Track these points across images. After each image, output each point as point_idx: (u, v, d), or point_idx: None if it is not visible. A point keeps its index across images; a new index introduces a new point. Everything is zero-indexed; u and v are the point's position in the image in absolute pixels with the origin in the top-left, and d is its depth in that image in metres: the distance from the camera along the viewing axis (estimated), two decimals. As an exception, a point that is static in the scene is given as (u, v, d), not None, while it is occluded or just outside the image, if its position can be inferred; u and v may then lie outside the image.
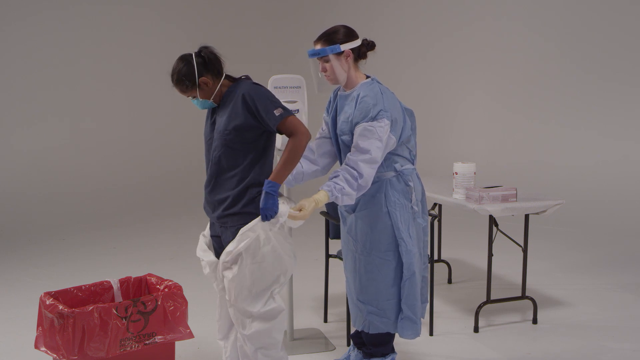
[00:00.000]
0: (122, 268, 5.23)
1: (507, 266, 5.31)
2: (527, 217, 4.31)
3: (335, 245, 4.29)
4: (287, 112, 2.90)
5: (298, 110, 3.83)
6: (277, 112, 2.89)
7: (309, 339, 4.12)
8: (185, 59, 3.01)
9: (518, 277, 4.70)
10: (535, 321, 4.33)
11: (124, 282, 3.67)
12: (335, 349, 4.00)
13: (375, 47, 3.32)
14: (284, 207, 2.97)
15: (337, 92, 3.40)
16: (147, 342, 3.29)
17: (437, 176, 5.39)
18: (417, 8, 9.20)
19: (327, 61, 3.19)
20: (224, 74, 3.03)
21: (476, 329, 4.20)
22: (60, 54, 8.61)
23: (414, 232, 3.29)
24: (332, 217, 4.26)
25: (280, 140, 3.82)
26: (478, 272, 5.41)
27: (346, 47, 3.18)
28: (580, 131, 7.94)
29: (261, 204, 2.90)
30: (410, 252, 3.24)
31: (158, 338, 3.32)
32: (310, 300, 4.78)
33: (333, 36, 3.18)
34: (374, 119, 3.09)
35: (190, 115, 9.22)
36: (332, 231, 4.28)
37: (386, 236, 3.24)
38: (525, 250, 4.36)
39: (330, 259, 4.30)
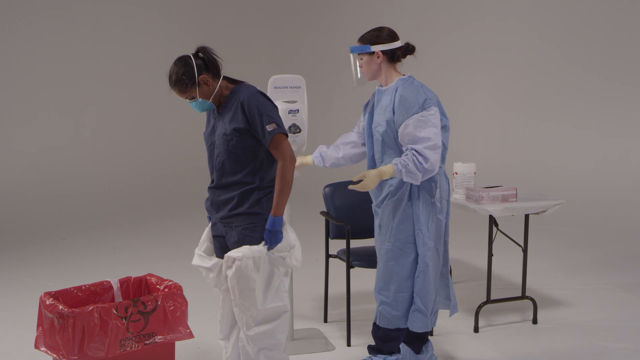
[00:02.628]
0: (122, 268, 5.22)
1: (507, 266, 5.31)
2: (527, 217, 4.31)
3: (335, 245, 4.29)
4: (280, 129, 2.91)
5: (298, 110, 3.82)
6: (269, 128, 2.90)
7: (309, 339, 4.12)
8: (183, 59, 3.00)
9: (518, 277, 4.70)
10: (535, 321, 4.33)
11: (124, 282, 3.67)
12: (335, 349, 4.00)
13: (415, 52, 3.46)
14: (292, 235, 3.04)
15: (374, 94, 3.55)
16: (147, 342, 3.29)
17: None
18: (416, 8, 9.20)
19: (361, 58, 3.43)
20: (222, 75, 3.02)
21: (476, 329, 4.20)
22: (61, 54, 8.60)
23: (433, 227, 3.37)
24: (332, 217, 4.26)
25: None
26: (478, 272, 5.41)
27: (376, 48, 3.38)
28: (580, 131, 7.94)
29: (267, 243, 2.95)
30: (426, 245, 3.32)
31: (158, 338, 3.32)
32: (310, 300, 4.78)
33: (367, 36, 3.42)
34: (422, 108, 3.23)
35: (190, 115, 9.22)
36: (332, 231, 4.28)
37: (406, 227, 3.33)
38: (525, 250, 4.36)
39: (330, 259, 4.30)
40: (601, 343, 4.03)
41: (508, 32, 8.41)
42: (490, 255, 4.24)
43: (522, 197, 4.30)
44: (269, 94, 3.85)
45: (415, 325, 3.39)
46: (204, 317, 4.30)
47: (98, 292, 3.59)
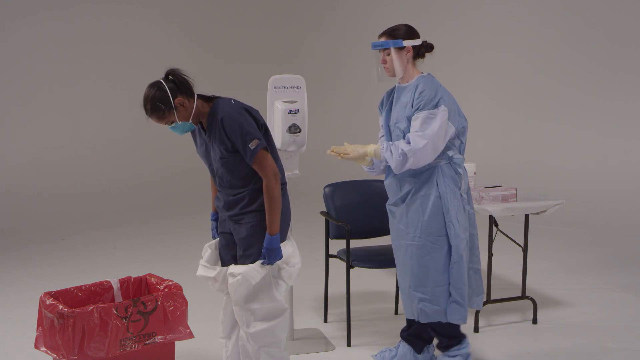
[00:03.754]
0: (122, 268, 5.22)
1: (507, 266, 5.31)
2: (527, 217, 4.31)
3: (335, 245, 4.29)
4: (261, 144, 2.91)
5: (298, 110, 3.82)
6: (252, 145, 2.90)
7: (309, 339, 4.12)
8: (154, 85, 2.94)
9: (518, 277, 4.70)
10: (535, 321, 4.33)
11: (124, 282, 3.67)
12: (335, 349, 4.00)
13: (433, 50, 3.49)
14: (290, 250, 3.06)
15: (390, 91, 3.56)
16: (147, 342, 3.29)
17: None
18: (416, 8, 9.20)
19: (389, 54, 3.40)
20: (196, 94, 2.99)
21: (476, 329, 4.20)
22: (61, 54, 8.60)
23: (463, 220, 3.39)
24: (332, 217, 4.26)
25: (280, 140, 3.82)
26: (478, 272, 5.41)
27: (408, 43, 3.38)
28: (580, 131, 7.94)
29: (265, 260, 2.97)
30: (458, 237, 3.35)
31: (158, 338, 3.32)
32: (310, 300, 4.78)
33: (397, 32, 3.41)
34: (435, 106, 3.27)
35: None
36: (332, 231, 4.28)
37: (437, 220, 3.35)
38: (525, 250, 4.36)
39: (330, 259, 4.30)
40: (601, 343, 4.03)
41: (508, 32, 8.41)
42: (490, 255, 4.24)
43: (522, 197, 4.29)
44: (268, 94, 3.86)
45: (454, 317, 3.40)
46: (204, 317, 4.30)
47: (98, 292, 3.59)
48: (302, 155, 4.02)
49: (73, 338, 3.10)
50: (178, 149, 9.27)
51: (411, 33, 3.42)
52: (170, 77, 2.96)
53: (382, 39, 3.43)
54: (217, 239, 3.27)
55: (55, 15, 8.55)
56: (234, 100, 3.00)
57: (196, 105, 2.97)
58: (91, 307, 3.17)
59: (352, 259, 4.04)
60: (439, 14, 9.01)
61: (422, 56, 3.45)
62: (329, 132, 9.56)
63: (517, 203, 4.17)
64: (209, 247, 3.26)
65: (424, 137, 3.22)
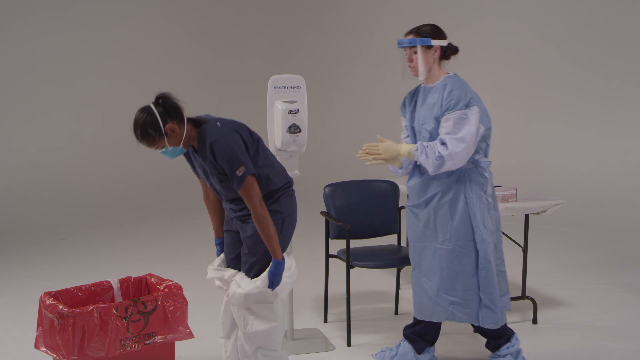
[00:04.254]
0: (122, 268, 5.22)
1: (507, 266, 5.27)
2: (527, 217, 4.31)
3: (335, 245, 4.29)
4: (248, 170, 2.91)
5: (298, 110, 3.82)
6: (239, 172, 2.90)
7: (309, 339, 4.12)
8: (145, 110, 2.92)
9: (518, 277, 4.70)
10: (535, 321, 4.33)
11: (124, 282, 3.67)
12: (335, 349, 4.00)
13: (458, 53, 3.46)
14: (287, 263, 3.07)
15: (413, 92, 3.53)
16: (147, 342, 3.29)
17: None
18: (416, 8, 9.20)
19: (415, 52, 3.35)
20: (185, 118, 2.98)
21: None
22: (61, 54, 8.60)
23: (489, 224, 3.38)
24: (332, 217, 4.26)
25: (280, 140, 3.82)
26: (478, 272, 5.41)
27: (436, 43, 3.35)
28: (580, 131, 7.93)
29: (272, 285, 3.01)
30: (485, 241, 3.34)
31: (158, 338, 3.32)
32: (310, 300, 4.78)
33: (424, 30, 3.36)
34: (466, 106, 3.24)
35: (190, 115, 9.22)
36: (332, 231, 4.28)
37: (465, 225, 3.34)
38: (525, 250, 4.36)
39: (330, 259, 4.30)
40: (601, 343, 4.03)
41: (508, 32, 8.41)
42: (490, 255, 4.23)
43: (522, 197, 4.29)
44: (268, 94, 3.86)
45: (486, 321, 3.39)
46: (204, 317, 4.30)
47: (98, 292, 3.59)
48: (302, 155, 4.02)
49: (73, 338, 3.10)
50: (178, 149, 9.28)
51: (439, 33, 3.38)
52: (160, 101, 2.94)
53: (410, 37, 3.38)
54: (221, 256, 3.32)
55: (55, 15, 8.55)
56: (220, 122, 2.97)
57: (186, 130, 2.95)
58: (91, 307, 3.17)
59: (352, 259, 4.04)
60: (439, 14, 8.99)
61: (448, 58, 3.42)
62: (329, 132, 9.57)
63: (517, 203, 4.17)
64: (220, 259, 3.29)
65: (462, 140, 3.19)
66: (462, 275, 3.37)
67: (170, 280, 3.60)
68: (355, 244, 4.23)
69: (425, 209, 3.42)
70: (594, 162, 7.75)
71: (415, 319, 3.61)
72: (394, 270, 4.84)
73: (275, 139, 3.87)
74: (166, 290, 3.53)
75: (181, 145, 2.97)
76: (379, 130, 9.79)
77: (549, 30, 8.14)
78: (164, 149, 2.94)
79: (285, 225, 3.12)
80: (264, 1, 10.24)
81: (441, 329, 4.23)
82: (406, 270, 4.96)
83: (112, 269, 5.41)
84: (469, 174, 3.36)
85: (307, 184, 6.53)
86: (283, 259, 3.01)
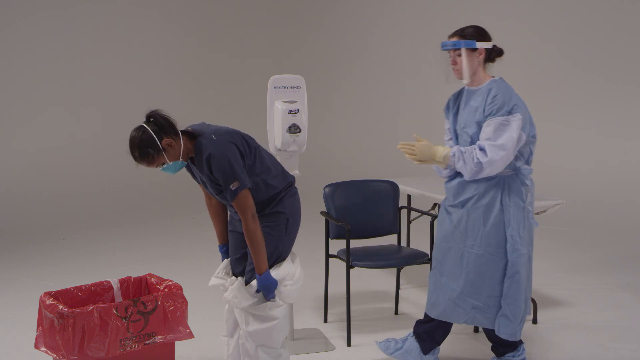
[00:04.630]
0: (122, 268, 5.22)
1: (507, 266, 5.30)
2: (527, 217, 4.30)
3: (335, 245, 4.29)
4: (242, 185, 2.91)
5: (298, 110, 3.82)
6: (233, 187, 2.90)
7: (309, 339, 4.12)
8: (140, 130, 2.92)
9: (518, 277, 4.69)
10: (535, 321, 4.33)
11: (124, 282, 3.67)
12: (335, 349, 4.00)
13: (503, 55, 3.43)
14: (285, 270, 3.09)
15: (457, 94, 3.49)
16: (147, 342, 3.29)
17: (437, 176, 5.37)
18: (417, 8, 9.20)
19: (459, 55, 3.30)
20: (180, 131, 2.98)
21: (476, 329, 4.20)
22: (61, 54, 8.60)
23: (526, 234, 3.33)
24: (332, 217, 4.26)
25: (280, 140, 3.82)
26: (478, 272, 5.41)
27: (481, 45, 3.31)
28: (580, 131, 7.93)
29: (265, 297, 3.04)
30: (517, 252, 3.28)
31: (158, 338, 3.32)
32: (310, 300, 4.78)
33: (469, 32, 3.32)
34: (509, 113, 3.20)
35: (191, 115, 9.21)
36: (332, 231, 4.28)
37: (497, 232, 3.29)
38: (525, 250, 4.35)
39: (330, 259, 4.30)
40: (601, 343, 4.03)
41: (508, 32, 8.39)
42: (490, 255, 4.23)
43: (522, 197, 4.28)
44: (268, 94, 3.86)
45: (502, 330, 3.35)
46: (204, 317, 4.30)
47: (98, 292, 3.59)
48: (302, 155, 4.02)
49: (73, 338, 3.10)
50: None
51: (483, 35, 3.34)
52: (151, 119, 2.94)
53: (454, 39, 3.32)
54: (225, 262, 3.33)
55: (55, 15, 8.55)
56: (215, 134, 2.96)
57: (182, 142, 2.96)
58: (91, 307, 3.17)
59: (352, 259, 4.04)
60: (439, 14, 9.02)
61: (492, 60, 3.39)
62: (329, 132, 9.57)
63: (517, 203, 4.15)
64: (223, 268, 3.31)
65: (502, 148, 3.16)
66: (489, 281, 3.33)
67: (170, 280, 3.60)
68: (355, 244, 4.23)
69: (460, 211, 3.38)
70: (594, 162, 7.75)
71: (426, 315, 3.57)
72: (394, 270, 4.84)
73: (275, 139, 3.88)
74: (166, 290, 3.53)
75: (181, 159, 2.97)
76: (379, 130, 9.73)
77: (549, 30, 8.14)
78: (164, 165, 2.94)
79: (290, 226, 3.13)
80: (264, 1, 10.24)
81: (441, 329, 4.24)
82: (406, 270, 4.97)
83: (112, 269, 5.40)
84: (508, 181, 3.31)
85: (307, 184, 6.52)
86: (267, 271, 3.00)
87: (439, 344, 3.63)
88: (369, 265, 4.12)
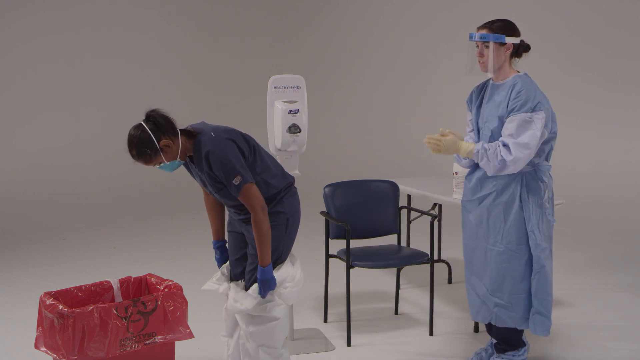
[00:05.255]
0: (122, 268, 5.22)
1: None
2: (527, 217, 4.30)
3: (335, 245, 4.29)
4: (245, 181, 2.90)
5: (298, 110, 3.82)
6: (235, 182, 2.89)
7: (309, 339, 4.12)
8: (137, 129, 2.92)
9: (518, 277, 4.69)
10: (535, 321, 4.33)
11: (124, 282, 3.67)
12: (335, 349, 4.00)
13: (530, 50, 3.43)
14: (286, 271, 3.10)
15: (481, 87, 3.47)
16: (147, 342, 3.29)
17: (437, 176, 5.39)
18: (416, 8, 9.20)
19: (487, 47, 3.29)
20: (179, 130, 2.97)
21: (476, 329, 4.20)
22: (61, 54, 8.60)
23: (545, 229, 3.33)
24: (332, 217, 4.26)
25: (280, 140, 3.82)
26: (478, 272, 5.41)
27: (510, 40, 3.31)
28: (580, 131, 7.93)
29: (262, 291, 3.01)
30: (539, 246, 3.29)
31: (158, 338, 3.32)
32: (310, 300, 4.78)
33: (499, 26, 3.33)
34: (532, 110, 3.19)
35: (191, 115, 9.21)
36: (332, 231, 4.28)
37: (518, 229, 3.30)
38: (525, 250, 4.35)
39: (330, 259, 4.30)
40: (601, 343, 4.03)
41: (508, 32, 8.40)
42: (490, 255, 4.23)
43: (522, 197, 4.28)
44: (268, 94, 3.86)
45: (538, 328, 3.36)
46: (204, 317, 4.30)
47: (98, 292, 3.59)
48: (302, 155, 4.02)
49: (73, 338, 3.10)
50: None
51: (512, 29, 3.34)
52: (150, 118, 2.94)
53: (483, 32, 3.32)
54: (222, 268, 3.34)
55: (55, 15, 8.55)
56: (214, 131, 2.96)
57: (181, 142, 2.96)
58: (91, 307, 3.17)
59: (352, 259, 4.04)
60: (439, 14, 9.02)
61: (519, 55, 3.38)
62: (329, 132, 9.57)
63: (517, 203, 4.15)
64: (220, 272, 3.31)
65: (527, 147, 3.16)
66: (511, 278, 3.33)
67: (170, 280, 3.61)
68: (355, 244, 4.23)
69: (479, 208, 3.39)
70: (594, 162, 7.75)
71: (487, 329, 3.61)
72: (394, 270, 4.84)
73: (275, 139, 3.88)
74: (166, 290, 3.53)
75: (178, 158, 2.97)
76: (379, 130, 9.73)
77: (549, 30, 8.13)
78: (161, 165, 2.95)
79: (290, 226, 3.13)
80: (264, 1, 10.24)
81: (441, 329, 4.24)
82: (406, 270, 4.97)
83: (112, 269, 5.40)
84: (527, 177, 3.31)
85: (307, 184, 6.52)
86: (270, 265, 3.00)
87: (522, 345, 3.61)
88: (369, 265, 4.12)
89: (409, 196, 5.02)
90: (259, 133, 3.87)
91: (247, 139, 3.06)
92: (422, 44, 9.17)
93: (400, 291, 4.64)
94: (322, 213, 4.33)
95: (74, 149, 8.61)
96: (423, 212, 4.55)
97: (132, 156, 2.93)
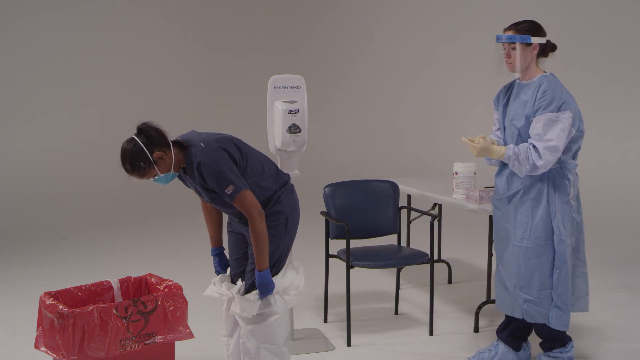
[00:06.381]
0: (122, 268, 5.22)
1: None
2: (527, 217, 4.30)
3: (335, 245, 4.29)
4: (237, 189, 2.89)
5: (298, 110, 3.82)
6: (228, 191, 2.89)
7: (309, 339, 4.12)
8: (129, 142, 2.91)
9: (518, 277, 4.69)
10: (535, 321, 4.33)
11: (124, 282, 3.67)
12: (335, 349, 4.00)
13: (556, 49, 3.52)
14: (289, 279, 3.10)
15: (508, 86, 3.53)
16: (147, 342, 3.29)
17: (437, 176, 5.38)
18: (416, 8, 9.20)
19: (514, 48, 3.35)
20: (171, 142, 2.97)
21: (476, 329, 4.20)
22: (61, 54, 8.61)
23: (569, 225, 3.39)
24: (332, 217, 4.26)
25: (280, 140, 3.82)
26: (478, 272, 5.41)
27: (536, 40, 3.38)
28: (580, 131, 7.93)
29: (261, 295, 3.01)
30: (563, 242, 3.34)
31: (158, 338, 3.32)
32: (310, 300, 4.78)
33: (525, 27, 3.40)
34: (558, 109, 3.25)
35: (191, 115, 9.22)
36: (332, 231, 4.28)
37: (544, 225, 3.35)
38: (525, 250, 4.35)
39: (330, 259, 4.30)
40: (601, 343, 4.03)
41: (508, 32, 8.40)
42: (490, 255, 4.23)
43: (522, 197, 4.28)
44: (268, 94, 3.86)
45: (555, 322, 3.40)
46: (204, 317, 4.30)
47: (98, 292, 3.59)
48: (302, 155, 4.02)
49: (73, 338, 3.10)
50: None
51: (538, 30, 3.41)
52: (142, 131, 2.93)
53: (509, 33, 3.38)
54: (221, 275, 3.33)
55: (55, 15, 8.55)
56: (203, 142, 2.95)
57: (174, 153, 2.95)
58: (91, 307, 3.17)
59: (352, 259, 4.04)
60: (439, 14, 9.02)
61: (546, 55, 3.46)
62: (329, 132, 9.57)
63: (517, 203, 4.16)
64: (219, 279, 3.30)
65: (556, 149, 3.22)
66: (539, 274, 3.38)
67: (170, 280, 3.61)
68: (355, 244, 4.23)
69: (507, 206, 3.44)
70: (594, 162, 7.75)
71: (504, 319, 3.64)
72: (394, 270, 4.83)
73: (275, 139, 3.88)
74: (166, 290, 3.53)
75: (172, 170, 2.97)
76: (379, 130, 9.75)
77: (549, 30, 8.06)
78: (156, 177, 2.95)
79: (289, 224, 3.13)
80: (264, 1, 10.24)
81: (441, 329, 4.24)
82: (406, 270, 4.97)
83: (112, 269, 5.40)
84: (553, 175, 3.36)
85: (307, 184, 6.53)
86: (267, 269, 3.00)
87: (525, 339, 3.66)
88: (369, 265, 4.12)
89: (409, 196, 5.02)
90: (259, 133, 3.87)
91: (238, 145, 3.04)
92: (422, 44, 9.17)
93: (400, 291, 4.64)
94: (322, 213, 4.33)
95: (74, 149, 8.61)
96: (423, 212, 4.55)
97: (126, 170, 2.92)
